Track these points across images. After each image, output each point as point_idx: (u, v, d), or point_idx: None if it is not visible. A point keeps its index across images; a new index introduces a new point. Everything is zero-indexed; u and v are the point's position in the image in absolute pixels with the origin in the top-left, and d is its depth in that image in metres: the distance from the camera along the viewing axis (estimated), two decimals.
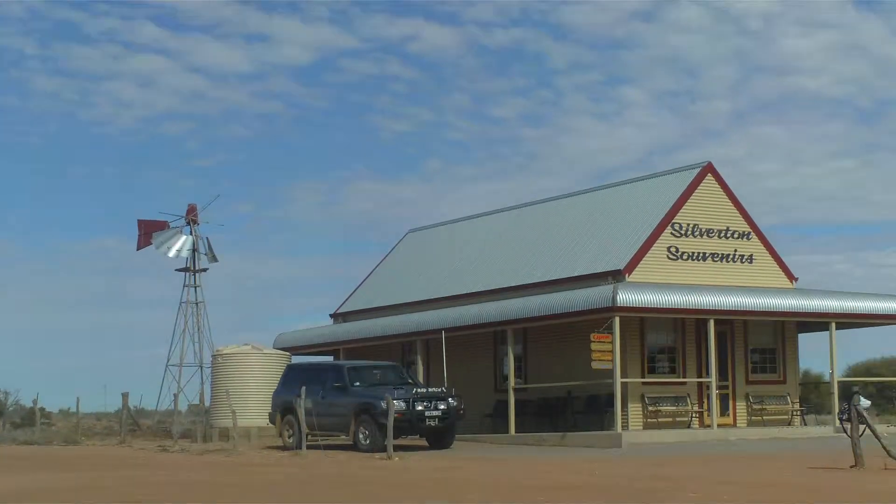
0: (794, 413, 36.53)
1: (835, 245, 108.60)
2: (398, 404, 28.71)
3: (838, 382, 34.69)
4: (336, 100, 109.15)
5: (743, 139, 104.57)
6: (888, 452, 20.87)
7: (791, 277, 36.59)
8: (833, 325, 34.49)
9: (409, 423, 29.37)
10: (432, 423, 29.91)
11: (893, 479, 19.23)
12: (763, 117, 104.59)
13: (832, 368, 34.73)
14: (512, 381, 34.29)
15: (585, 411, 33.89)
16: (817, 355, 58.21)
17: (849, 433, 21.31)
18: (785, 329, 36.63)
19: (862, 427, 21.22)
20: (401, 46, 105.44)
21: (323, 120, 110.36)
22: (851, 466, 20.99)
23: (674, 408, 33.92)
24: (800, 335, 37.34)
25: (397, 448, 27.65)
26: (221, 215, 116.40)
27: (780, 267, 36.54)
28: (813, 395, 52.31)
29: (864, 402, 21.63)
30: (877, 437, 21.02)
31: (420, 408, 29.50)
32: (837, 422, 33.84)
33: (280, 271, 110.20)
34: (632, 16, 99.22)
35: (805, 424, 36.99)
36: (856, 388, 21.68)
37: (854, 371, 55.77)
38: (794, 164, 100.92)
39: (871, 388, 60.72)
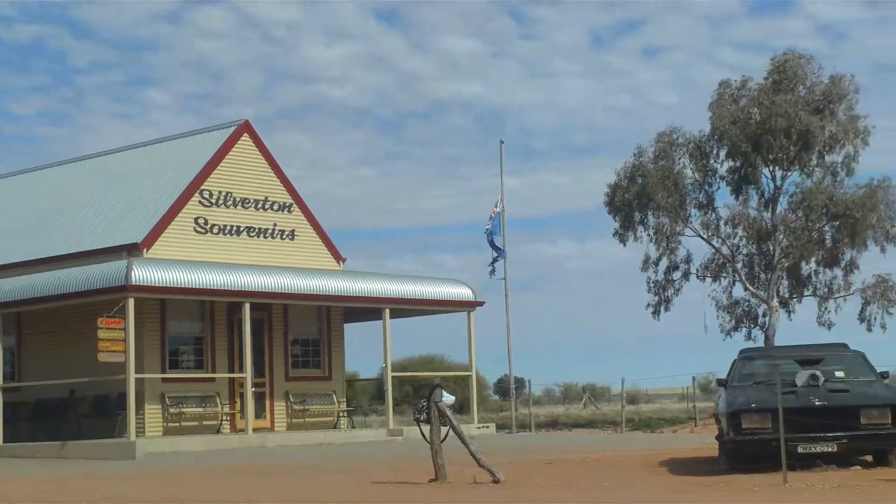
0: (342, 414, 31.86)
1: (358, 252, 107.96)
2: None
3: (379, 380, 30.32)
4: None
5: (270, 144, 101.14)
6: (478, 461, 16.18)
7: (339, 258, 32.03)
8: (387, 311, 30.06)
9: None
10: None
11: (485, 494, 14.59)
12: (287, 124, 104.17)
13: (386, 362, 30.38)
14: None
15: (92, 415, 28.40)
16: (360, 349, 54.77)
17: (427, 437, 16.46)
18: (331, 317, 31.89)
19: (444, 429, 16.43)
20: None
21: None
22: (431, 480, 16.19)
23: (201, 409, 29.04)
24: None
25: None
26: None
27: (327, 246, 31.92)
28: (350, 394, 48.20)
29: (448, 398, 16.88)
30: (463, 441, 16.26)
31: None
32: (392, 423, 29.87)
33: None
34: (156, 17, 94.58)
35: (353, 427, 32.38)
36: (437, 381, 16.85)
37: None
38: (319, 171, 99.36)
39: (407, 387, 57.87)
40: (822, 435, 15.38)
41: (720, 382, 18.10)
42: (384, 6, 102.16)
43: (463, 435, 16.28)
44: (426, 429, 16.53)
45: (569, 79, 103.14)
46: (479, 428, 31.46)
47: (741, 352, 18.84)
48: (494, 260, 34.04)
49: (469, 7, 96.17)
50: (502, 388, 56.88)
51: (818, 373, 16.32)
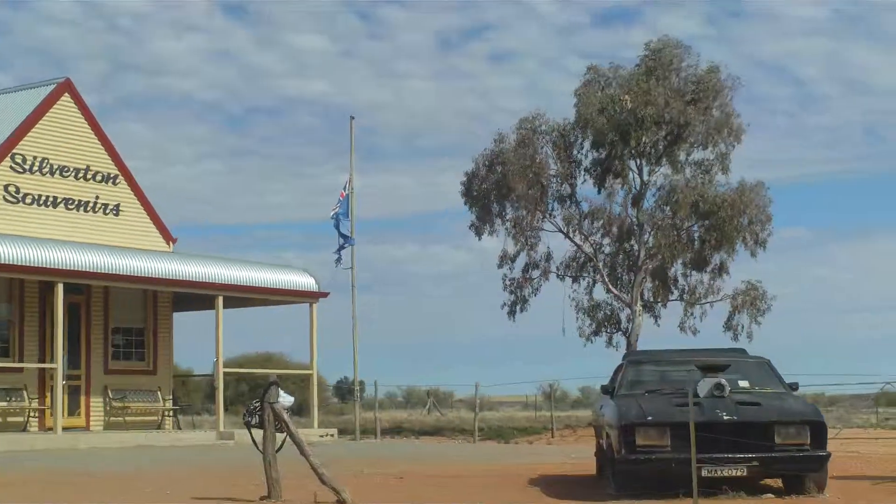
0: (167, 414, 28.67)
1: (200, 247, 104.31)
2: None
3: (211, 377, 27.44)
4: None
5: (112, 133, 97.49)
6: (320, 477, 13.36)
7: (169, 238, 28.92)
8: (220, 299, 27.02)
9: None
10: None
11: None
12: (131, 115, 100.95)
13: (218, 356, 27.30)
14: None
15: None
16: (195, 343, 51.45)
17: (259, 445, 13.58)
18: (158, 304, 28.70)
19: (281, 436, 13.57)
20: None
21: None
22: (263, 498, 13.34)
23: (6, 404, 25.70)
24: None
25: None
26: None
27: (156, 224, 28.88)
28: (180, 392, 44.92)
29: (286, 399, 13.94)
30: (303, 452, 13.40)
31: None
32: (223, 425, 26.82)
33: None
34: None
35: (179, 428, 29.20)
36: (273, 378, 13.96)
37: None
38: (164, 164, 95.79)
39: (243, 386, 54.68)
40: (730, 456, 12.93)
41: (605, 390, 15.57)
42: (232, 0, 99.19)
43: (303, 444, 13.41)
44: (259, 434, 13.65)
45: (416, 80, 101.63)
46: (321, 436, 28.70)
47: (628, 355, 16.40)
48: (341, 247, 31.02)
49: (317, 5, 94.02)
50: (346, 389, 54.07)
51: (724, 381, 13.92)
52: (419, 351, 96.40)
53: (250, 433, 13.91)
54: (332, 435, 30.02)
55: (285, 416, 13.58)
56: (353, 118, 33.38)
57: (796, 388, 15.07)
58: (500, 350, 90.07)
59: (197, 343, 46.72)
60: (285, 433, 13.54)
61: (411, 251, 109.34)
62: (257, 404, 13.71)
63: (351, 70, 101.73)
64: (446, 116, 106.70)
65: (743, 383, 14.58)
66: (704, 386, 13.89)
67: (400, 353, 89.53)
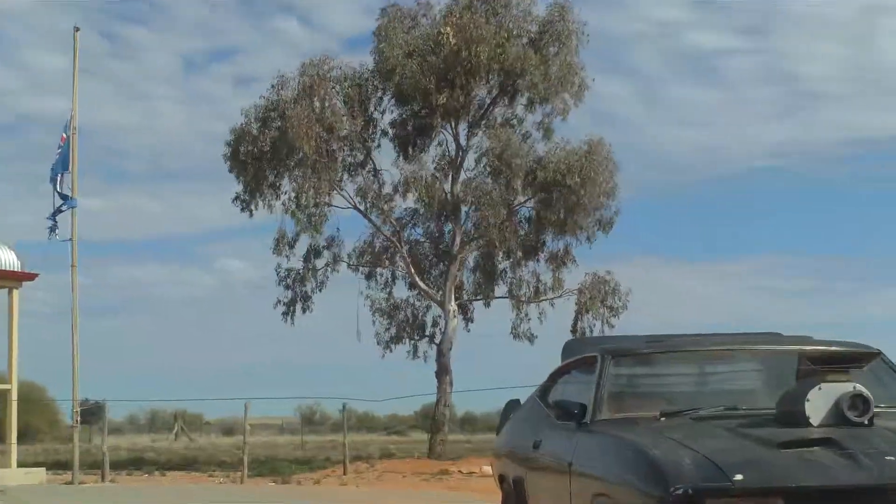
0: None
1: None
2: None
3: None
4: None
5: None
6: None
7: None
8: None
9: None
10: None
11: None
12: None
13: None
14: None
15: None
16: None
17: None
18: None
19: None
20: None
21: None
22: None
23: None
24: None
25: None
26: None
27: None
28: None
29: None
30: None
31: None
32: None
33: None
34: None
35: None
36: None
37: None
38: None
39: None
40: None
41: (563, 412, 7.46)
42: None
43: None
44: None
45: (162, 102, 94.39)
46: (26, 474, 19.94)
47: (603, 351, 7.98)
48: (57, 210, 21.88)
49: (56, 24, 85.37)
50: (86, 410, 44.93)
51: (865, 392, 6.29)
52: (162, 372, 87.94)
53: None
54: (43, 477, 21.25)
55: None
56: (77, 29, 23.97)
57: None
58: (271, 362, 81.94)
59: None
60: None
61: (159, 273, 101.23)
62: None
63: (94, 90, 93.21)
64: (191, 139, 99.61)
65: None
66: (822, 400, 6.20)
67: (142, 375, 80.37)
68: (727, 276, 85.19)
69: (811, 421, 6.13)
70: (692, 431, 6.27)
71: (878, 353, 6.73)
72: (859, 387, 6.22)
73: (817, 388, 6.22)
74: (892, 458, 5.60)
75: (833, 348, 7.06)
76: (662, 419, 6.69)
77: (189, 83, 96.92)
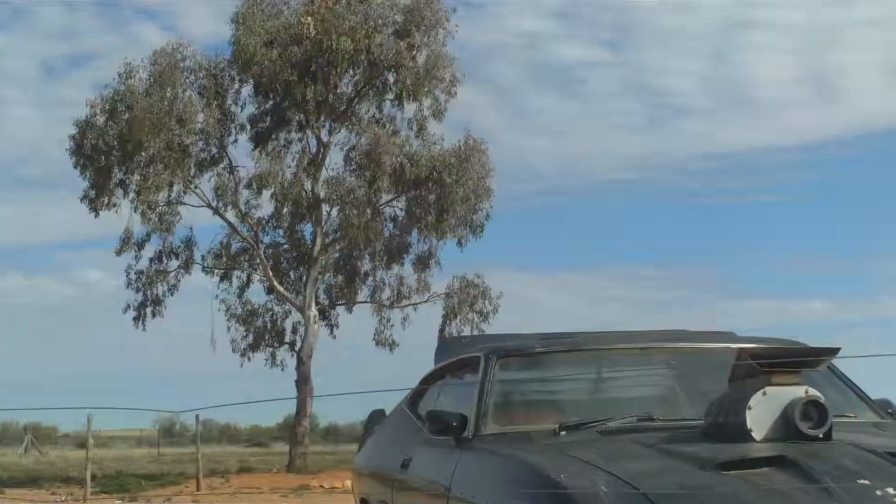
0: None
1: None
2: None
3: None
4: None
5: None
6: None
7: None
8: None
9: None
10: None
11: None
12: None
13: None
14: None
15: None
16: None
17: None
18: None
19: None
20: None
21: None
22: None
23: None
24: None
25: None
26: None
27: None
28: None
29: None
30: None
31: None
32: None
33: None
34: None
35: None
36: None
37: None
38: None
39: None
40: None
41: (441, 424, 6.00)
42: None
43: None
44: None
45: (17, 108, 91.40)
46: None
47: (488, 350, 6.32)
48: None
49: None
50: None
51: (820, 397, 5.02)
52: (18, 385, 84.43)
53: None
54: None
55: None
56: None
57: (892, 410, 6.26)
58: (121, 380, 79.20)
59: None
60: None
61: (13, 282, 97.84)
62: None
63: None
64: (50, 146, 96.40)
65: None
66: (768, 408, 4.90)
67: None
68: (581, 286, 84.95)
69: (753, 434, 4.83)
70: (604, 449, 4.91)
71: (838, 350, 5.44)
72: (813, 391, 4.94)
73: (761, 392, 4.91)
74: (867, 482, 4.31)
75: (782, 346, 5.79)
76: (563, 433, 5.32)
77: (46, 88, 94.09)
